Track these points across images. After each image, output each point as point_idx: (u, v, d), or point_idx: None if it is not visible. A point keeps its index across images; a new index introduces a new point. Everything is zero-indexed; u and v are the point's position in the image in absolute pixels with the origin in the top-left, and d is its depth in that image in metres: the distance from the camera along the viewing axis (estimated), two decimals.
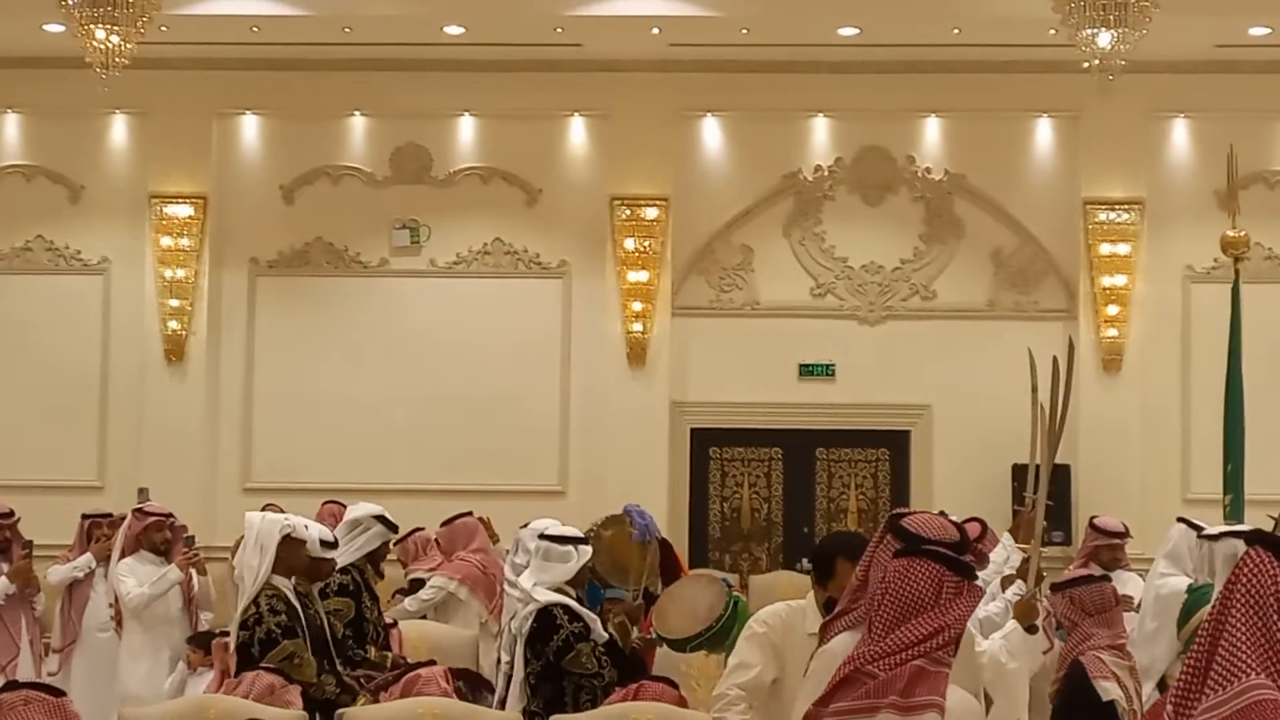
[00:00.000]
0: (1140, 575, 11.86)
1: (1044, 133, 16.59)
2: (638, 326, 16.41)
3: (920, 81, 16.24)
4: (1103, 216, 16.24)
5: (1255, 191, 16.11)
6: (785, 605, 6.06)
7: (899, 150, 16.64)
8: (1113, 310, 16.22)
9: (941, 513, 5.86)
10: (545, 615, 8.31)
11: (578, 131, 16.77)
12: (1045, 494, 8.27)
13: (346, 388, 16.56)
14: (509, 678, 8.59)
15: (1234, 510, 11.66)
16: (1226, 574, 7.42)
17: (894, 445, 16.76)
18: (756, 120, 16.65)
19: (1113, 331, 16.11)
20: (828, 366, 16.62)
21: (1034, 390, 10.20)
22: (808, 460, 16.83)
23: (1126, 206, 16.25)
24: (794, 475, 16.84)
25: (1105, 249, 16.24)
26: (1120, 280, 16.27)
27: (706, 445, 16.81)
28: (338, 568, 9.33)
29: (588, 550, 8.67)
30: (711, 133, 16.73)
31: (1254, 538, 3.81)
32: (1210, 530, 8.77)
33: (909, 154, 16.63)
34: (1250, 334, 14.94)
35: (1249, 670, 3.61)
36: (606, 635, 8.44)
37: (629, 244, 16.42)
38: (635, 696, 7.92)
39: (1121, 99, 15.56)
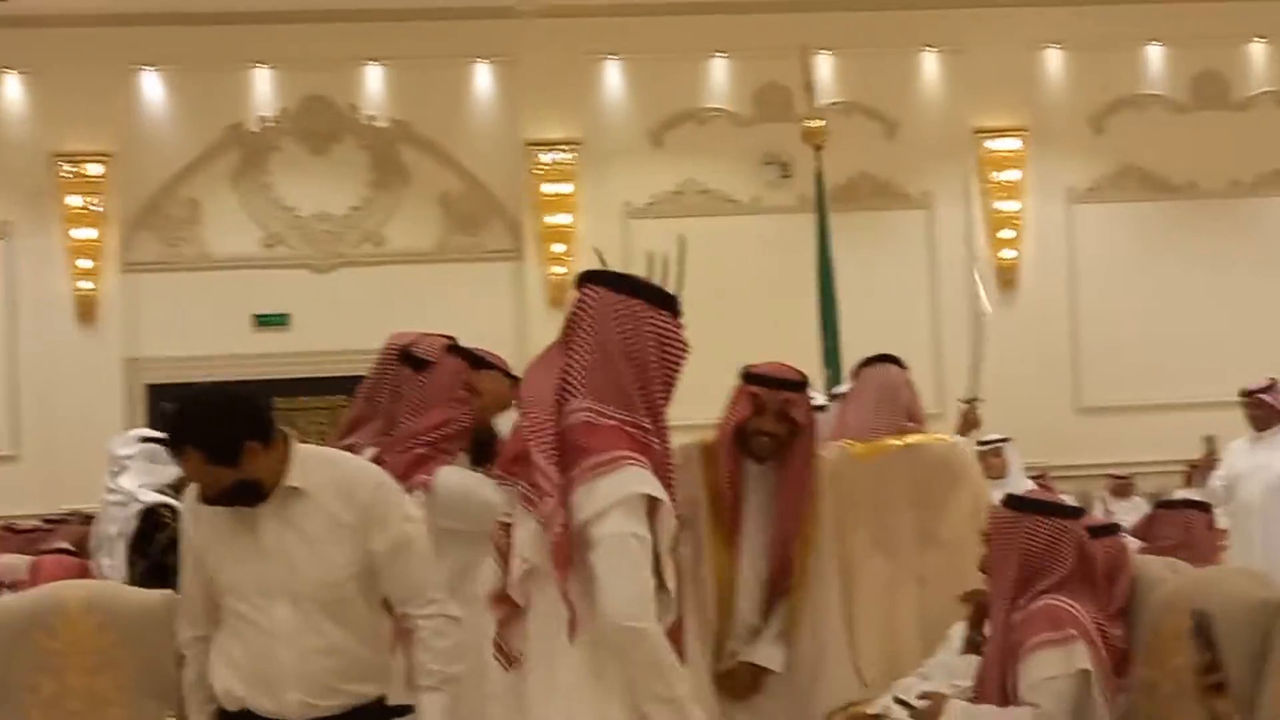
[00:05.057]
0: None
1: (484, 78, 16.84)
2: (87, 284, 16.19)
3: (360, 30, 16.32)
4: (544, 158, 16.67)
5: (686, 129, 16.84)
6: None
7: (342, 99, 16.72)
8: (558, 248, 16.68)
9: None
10: (149, 515, 8.27)
11: (12, 88, 16.36)
12: None
13: None
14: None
15: (835, 380, 12.11)
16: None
17: (352, 391, 16.75)
18: (198, 72, 16.46)
19: (560, 269, 16.54)
20: (282, 316, 16.68)
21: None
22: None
23: (566, 147, 16.71)
24: None
25: (548, 189, 16.67)
26: (564, 219, 16.72)
27: (163, 400, 16.67)
28: None
29: None
30: (152, 86, 16.50)
31: (584, 276, 4.45)
32: None
33: (351, 102, 16.73)
34: (691, 270, 15.64)
35: (581, 393, 4.28)
36: None
37: (73, 201, 16.16)
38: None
39: (556, 43, 16.06)
